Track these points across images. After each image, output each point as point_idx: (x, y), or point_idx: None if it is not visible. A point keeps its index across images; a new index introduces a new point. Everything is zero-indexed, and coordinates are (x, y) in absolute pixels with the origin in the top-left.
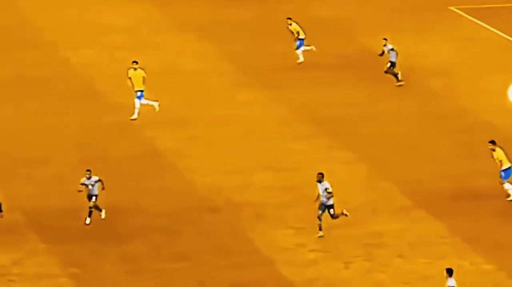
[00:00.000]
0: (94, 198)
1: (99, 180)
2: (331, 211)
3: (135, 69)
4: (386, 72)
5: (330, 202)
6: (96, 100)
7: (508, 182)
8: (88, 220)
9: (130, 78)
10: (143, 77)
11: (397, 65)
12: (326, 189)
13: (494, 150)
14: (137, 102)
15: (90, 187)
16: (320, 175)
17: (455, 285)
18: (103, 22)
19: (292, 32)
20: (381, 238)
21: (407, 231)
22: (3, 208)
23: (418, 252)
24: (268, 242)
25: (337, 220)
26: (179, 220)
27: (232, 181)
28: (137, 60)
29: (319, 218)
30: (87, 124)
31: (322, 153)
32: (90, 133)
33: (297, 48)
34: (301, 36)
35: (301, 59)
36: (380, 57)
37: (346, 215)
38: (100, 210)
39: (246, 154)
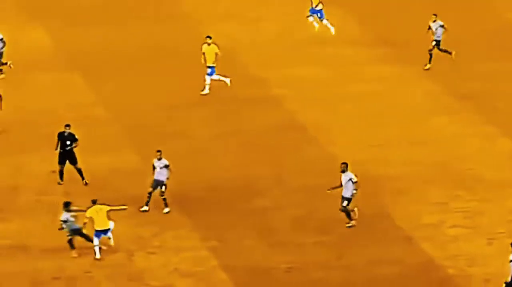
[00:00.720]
0: (163, 187)
1: (167, 165)
2: (345, 203)
3: (208, 44)
4: (441, 50)
5: (349, 194)
6: (237, 72)
7: None
8: (145, 207)
9: (203, 53)
10: (216, 53)
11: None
12: (350, 179)
13: None
14: (207, 79)
15: (158, 169)
16: (344, 165)
17: None
18: None
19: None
20: None
21: None
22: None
23: None
24: (408, 218)
25: (476, 197)
26: (319, 193)
27: (373, 154)
28: (211, 35)
29: (343, 210)
30: (227, 97)
31: (465, 127)
32: (229, 106)
33: (308, 16)
34: (315, 5)
35: (316, 26)
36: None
37: (352, 222)
38: (166, 205)
39: (387, 128)
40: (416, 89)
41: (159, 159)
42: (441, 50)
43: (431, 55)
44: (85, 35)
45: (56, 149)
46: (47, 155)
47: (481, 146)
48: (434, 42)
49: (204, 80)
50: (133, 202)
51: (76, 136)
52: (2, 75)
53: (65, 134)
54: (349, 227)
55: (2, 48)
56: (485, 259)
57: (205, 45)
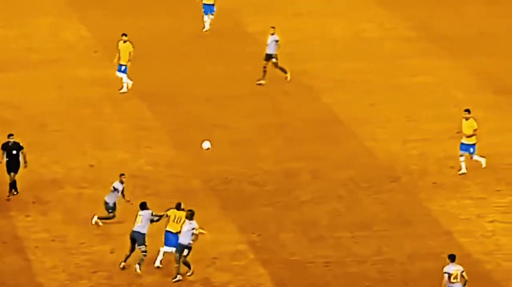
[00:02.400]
0: (114, 208)
1: (123, 189)
2: (185, 252)
3: (124, 41)
4: (275, 66)
5: (187, 241)
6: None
7: None
8: (94, 219)
9: (119, 51)
10: (130, 52)
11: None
12: (194, 229)
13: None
14: (122, 75)
15: (118, 194)
16: (189, 212)
17: (451, 272)
18: None
19: None
20: None
21: None
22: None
23: None
24: (446, 212)
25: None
26: (358, 187)
27: (412, 149)
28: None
29: (176, 260)
30: (268, 90)
31: (504, 122)
32: (270, 99)
33: (206, 14)
34: (206, 1)
35: (207, 27)
36: None
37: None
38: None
39: (426, 123)
40: (455, 83)
41: (122, 182)
42: (275, 65)
43: (265, 71)
44: (122, 26)
45: (1, 161)
46: (88, 149)
47: None
48: (266, 56)
49: (121, 79)
50: (172, 195)
51: (21, 144)
52: None
53: (9, 144)
54: (182, 278)
55: None
56: None
57: (121, 42)
